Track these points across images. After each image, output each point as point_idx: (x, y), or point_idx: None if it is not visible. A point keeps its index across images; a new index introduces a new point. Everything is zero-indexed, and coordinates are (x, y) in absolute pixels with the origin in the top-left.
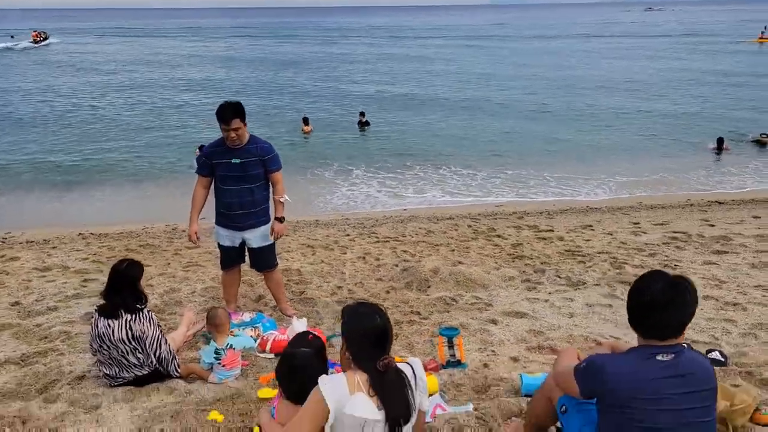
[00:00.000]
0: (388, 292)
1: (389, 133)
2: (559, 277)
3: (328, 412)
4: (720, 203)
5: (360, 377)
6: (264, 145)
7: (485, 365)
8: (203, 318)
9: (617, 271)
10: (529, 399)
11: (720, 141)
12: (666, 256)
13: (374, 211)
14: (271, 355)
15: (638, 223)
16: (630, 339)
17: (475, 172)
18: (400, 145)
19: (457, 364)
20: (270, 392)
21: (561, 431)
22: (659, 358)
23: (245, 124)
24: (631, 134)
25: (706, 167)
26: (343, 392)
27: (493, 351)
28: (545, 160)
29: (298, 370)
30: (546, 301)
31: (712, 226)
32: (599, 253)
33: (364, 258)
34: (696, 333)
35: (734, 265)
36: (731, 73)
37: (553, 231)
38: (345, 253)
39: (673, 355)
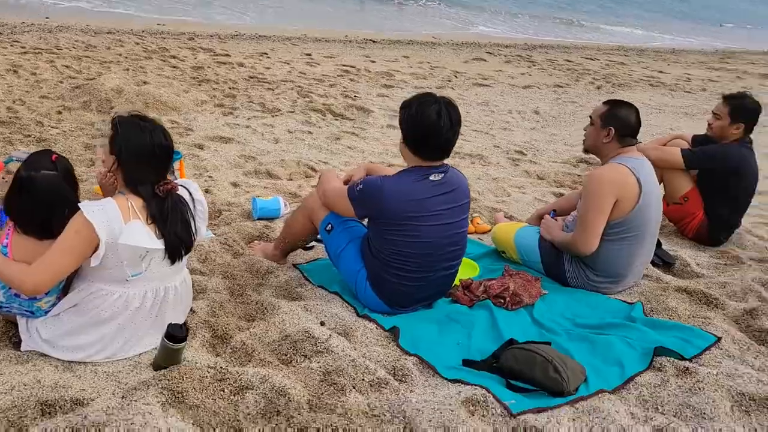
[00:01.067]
0: (60, 112)
1: None
2: (253, 102)
3: (98, 242)
4: (374, 41)
5: (134, 202)
6: None
7: (207, 191)
8: None
9: (306, 99)
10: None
11: None
12: (344, 87)
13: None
14: None
15: (310, 54)
16: (332, 165)
17: None
18: None
19: None
20: None
21: (307, 249)
22: (432, 178)
23: None
24: None
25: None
26: (116, 219)
27: (210, 176)
28: None
29: (43, 197)
30: (247, 126)
31: (374, 62)
32: (283, 81)
33: (15, 72)
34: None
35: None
36: None
37: (230, 56)
38: None
39: (443, 174)
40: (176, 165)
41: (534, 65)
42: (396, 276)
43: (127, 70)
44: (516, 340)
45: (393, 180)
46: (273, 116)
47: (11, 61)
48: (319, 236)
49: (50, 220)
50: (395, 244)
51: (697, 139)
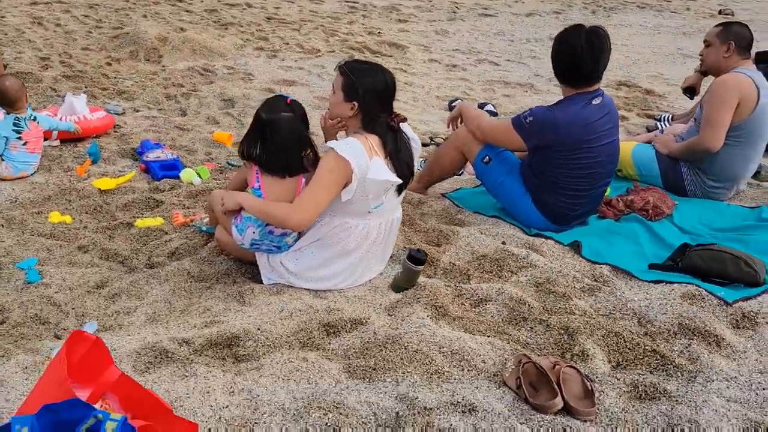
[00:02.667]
0: (110, 63)
1: None
2: (288, 44)
3: (350, 178)
4: None
5: (372, 140)
6: None
7: None
8: None
9: (336, 38)
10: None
11: None
12: (362, 24)
13: None
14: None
15: None
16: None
17: None
18: None
19: None
20: (108, 182)
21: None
22: (594, 102)
23: None
24: None
25: None
26: (363, 157)
27: None
28: None
29: (285, 137)
30: (300, 68)
31: None
32: (303, 21)
33: (40, 24)
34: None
35: (420, 32)
36: None
37: None
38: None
39: (600, 98)
40: None
41: None
42: (564, 195)
43: (145, 16)
44: (690, 244)
45: (562, 109)
46: (317, 56)
47: (29, 13)
48: (460, 171)
49: (291, 159)
50: (566, 167)
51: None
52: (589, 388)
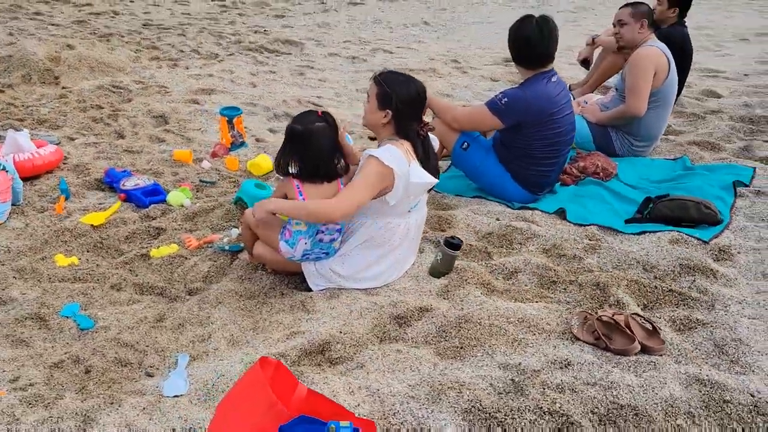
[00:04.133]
0: (2, 91)
1: None
2: (183, 51)
3: (391, 182)
4: None
5: (406, 146)
6: None
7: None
8: None
9: (227, 40)
10: None
11: None
12: (243, 22)
13: None
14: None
15: None
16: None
17: None
18: None
19: (241, 144)
20: (98, 216)
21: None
22: (553, 80)
23: None
24: None
25: None
26: (403, 162)
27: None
28: None
29: (321, 145)
30: (210, 75)
31: None
32: (182, 24)
33: None
34: None
35: (304, 26)
36: None
37: (92, 5)
38: None
39: (556, 76)
40: (235, 120)
41: None
42: (538, 164)
43: (11, 34)
44: (651, 198)
45: (529, 88)
46: (219, 61)
47: None
48: None
49: (330, 165)
50: (538, 138)
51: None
52: (652, 327)
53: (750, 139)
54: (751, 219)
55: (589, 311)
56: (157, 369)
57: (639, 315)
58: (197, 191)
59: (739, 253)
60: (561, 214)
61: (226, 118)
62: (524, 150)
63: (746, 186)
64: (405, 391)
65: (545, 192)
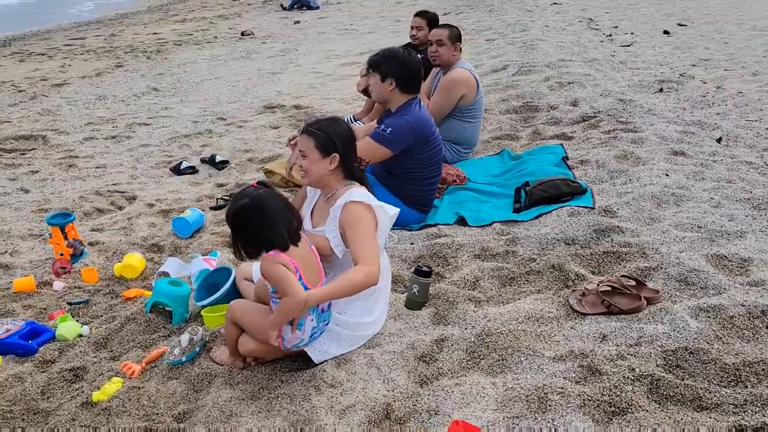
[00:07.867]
0: None
1: None
2: (120, 66)
3: (378, 219)
4: None
5: (361, 188)
6: None
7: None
8: None
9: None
10: None
11: None
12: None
13: None
14: None
15: None
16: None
17: None
18: None
19: (82, 253)
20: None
21: None
22: (421, 105)
23: None
24: None
25: None
26: (374, 199)
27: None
28: None
29: (277, 207)
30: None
31: None
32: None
33: None
34: None
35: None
36: None
37: None
38: None
39: (419, 101)
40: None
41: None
42: (423, 184)
43: None
44: (520, 187)
45: (407, 113)
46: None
47: None
48: None
49: (291, 222)
50: (421, 160)
51: None
52: (636, 282)
53: (532, 125)
54: (600, 182)
55: (579, 288)
56: None
57: (624, 275)
58: (80, 315)
59: (619, 209)
60: (461, 222)
61: (59, 227)
62: (415, 173)
63: (568, 159)
64: (502, 416)
65: (430, 208)
